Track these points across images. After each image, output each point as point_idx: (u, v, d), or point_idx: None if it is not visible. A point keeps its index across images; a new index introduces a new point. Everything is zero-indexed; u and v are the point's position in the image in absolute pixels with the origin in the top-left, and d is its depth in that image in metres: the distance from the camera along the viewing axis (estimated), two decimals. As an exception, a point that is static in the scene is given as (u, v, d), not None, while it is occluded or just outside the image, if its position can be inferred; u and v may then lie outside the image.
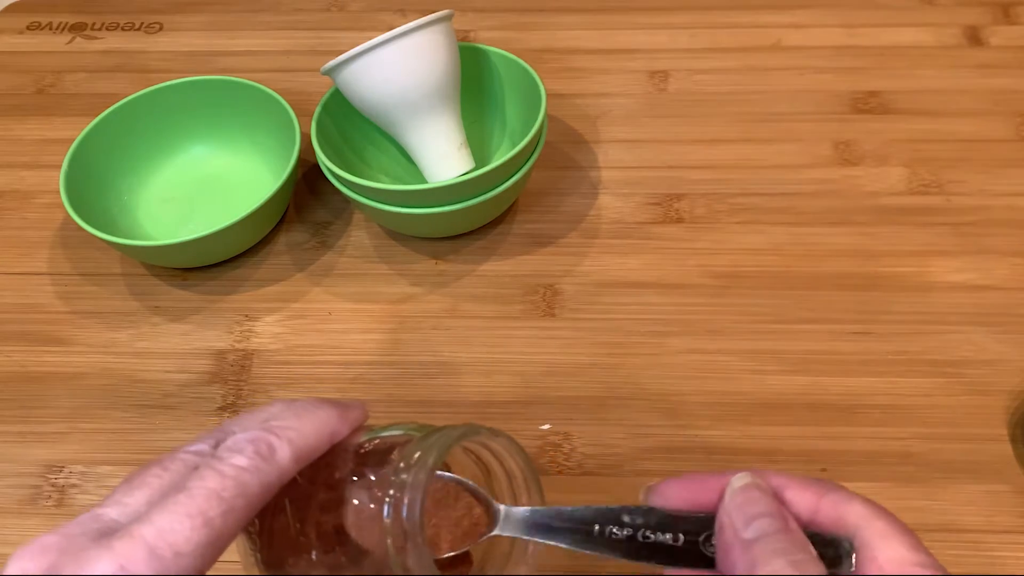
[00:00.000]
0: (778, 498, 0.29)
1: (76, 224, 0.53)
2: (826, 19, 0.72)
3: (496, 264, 0.57)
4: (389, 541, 0.28)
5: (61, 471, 0.49)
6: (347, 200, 0.60)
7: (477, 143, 0.62)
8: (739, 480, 0.30)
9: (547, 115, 0.57)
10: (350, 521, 0.30)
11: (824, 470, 0.47)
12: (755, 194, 0.60)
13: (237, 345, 0.54)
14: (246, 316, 0.55)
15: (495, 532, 0.31)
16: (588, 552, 0.30)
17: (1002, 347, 0.51)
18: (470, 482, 0.32)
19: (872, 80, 0.67)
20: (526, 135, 0.53)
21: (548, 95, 0.55)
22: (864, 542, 0.28)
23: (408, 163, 0.61)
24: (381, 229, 0.60)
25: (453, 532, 0.31)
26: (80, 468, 0.49)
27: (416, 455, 0.29)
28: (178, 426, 0.50)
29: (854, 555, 0.28)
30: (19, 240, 0.61)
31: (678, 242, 0.57)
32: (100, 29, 0.76)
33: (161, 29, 0.76)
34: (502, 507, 0.32)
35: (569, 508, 0.30)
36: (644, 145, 0.63)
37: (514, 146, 0.56)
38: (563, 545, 0.30)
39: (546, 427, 0.49)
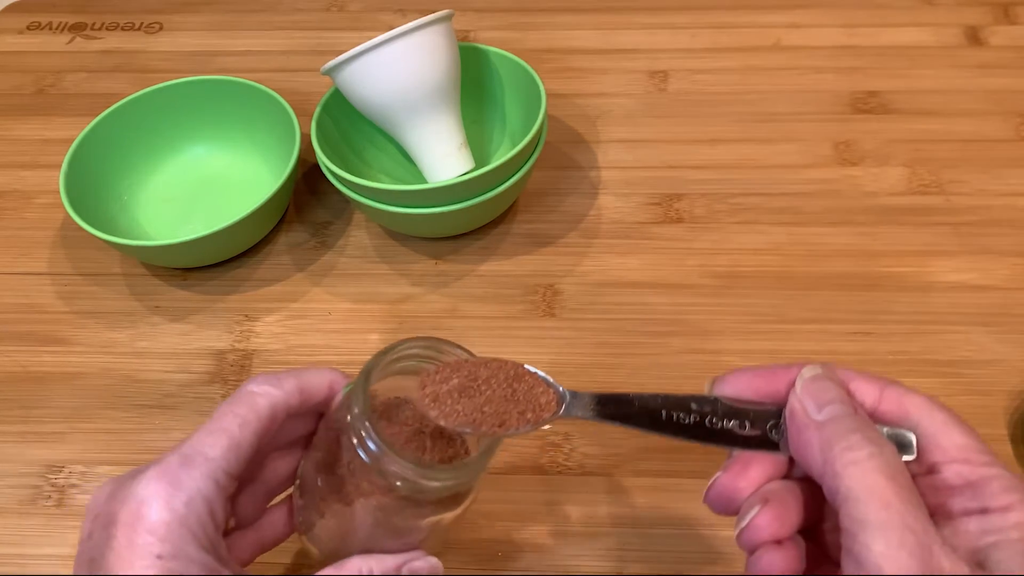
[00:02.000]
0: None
1: (76, 224, 0.53)
2: (826, 19, 0.72)
3: (496, 264, 0.57)
4: (373, 466, 0.32)
5: (61, 471, 0.49)
6: (347, 200, 0.60)
7: (477, 143, 0.62)
8: (810, 371, 0.31)
9: (547, 115, 0.57)
10: (345, 462, 0.35)
11: (824, 470, 0.47)
12: (755, 194, 0.60)
13: (237, 345, 0.54)
14: (246, 316, 0.55)
15: (561, 415, 0.33)
16: (653, 434, 0.32)
17: (1002, 347, 0.51)
18: (535, 370, 0.34)
19: (872, 80, 0.67)
20: (526, 135, 0.53)
21: (548, 95, 0.55)
22: (926, 431, 0.30)
23: (408, 163, 0.61)
24: (381, 229, 0.60)
25: (520, 415, 0.33)
26: (80, 468, 0.49)
27: (352, 396, 0.33)
28: (178, 426, 0.50)
29: (915, 444, 0.30)
30: (19, 240, 0.60)
31: (678, 242, 0.57)
32: (100, 29, 0.76)
33: (161, 29, 0.76)
34: (568, 392, 0.33)
35: (635, 394, 0.32)
36: (644, 145, 0.63)
37: (514, 146, 0.56)
38: (630, 427, 0.32)
39: (546, 427, 0.49)
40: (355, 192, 0.54)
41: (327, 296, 0.56)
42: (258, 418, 0.34)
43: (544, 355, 0.52)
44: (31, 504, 0.48)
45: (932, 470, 0.29)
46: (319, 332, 0.54)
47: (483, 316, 0.54)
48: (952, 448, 0.29)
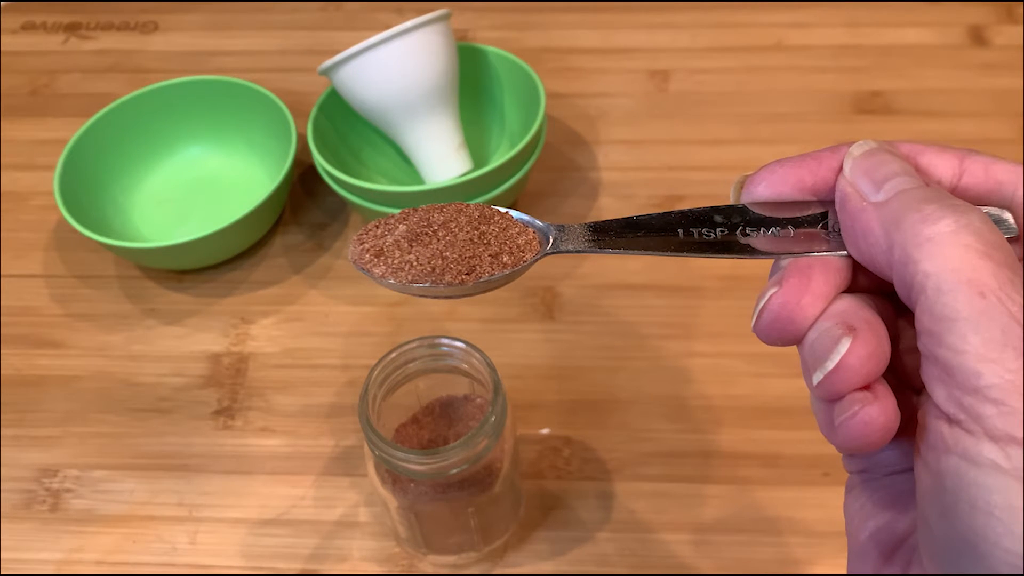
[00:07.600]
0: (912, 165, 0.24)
1: (70, 226, 0.53)
2: (828, 18, 0.71)
3: (495, 266, 0.56)
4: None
5: (55, 475, 0.48)
6: (344, 202, 0.59)
7: (476, 144, 0.61)
8: (860, 147, 0.24)
9: (546, 115, 0.56)
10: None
11: (827, 474, 0.46)
12: (756, 195, 0.59)
13: (233, 348, 0.53)
14: (242, 319, 0.55)
15: (549, 251, 0.27)
16: (671, 255, 0.25)
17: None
18: (507, 210, 0.28)
19: (875, 80, 0.66)
20: (525, 136, 0.53)
21: (547, 95, 0.55)
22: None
23: (406, 164, 0.61)
24: (379, 231, 0.59)
25: (494, 258, 0.26)
26: (75, 472, 0.48)
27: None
28: (173, 430, 0.50)
29: (1011, 222, 0.23)
30: (13, 242, 0.60)
31: (679, 244, 0.57)
32: (94, 29, 0.75)
33: (156, 29, 0.75)
34: (552, 226, 0.27)
35: (642, 215, 0.26)
36: (644, 146, 0.63)
37: (513, 147, 0.56)
38: (639, 253, 0.26)
39: (545, 431, 0.49)
40: (352, 194, 0.53)
41: (324, 299, 0.56)
42: None
43: (543, 358, 0.51)
44: (25, 509, 0.47)
45: None
46: (316, 335, 0.54)
47: (481, 319, 0.54)
48: None
